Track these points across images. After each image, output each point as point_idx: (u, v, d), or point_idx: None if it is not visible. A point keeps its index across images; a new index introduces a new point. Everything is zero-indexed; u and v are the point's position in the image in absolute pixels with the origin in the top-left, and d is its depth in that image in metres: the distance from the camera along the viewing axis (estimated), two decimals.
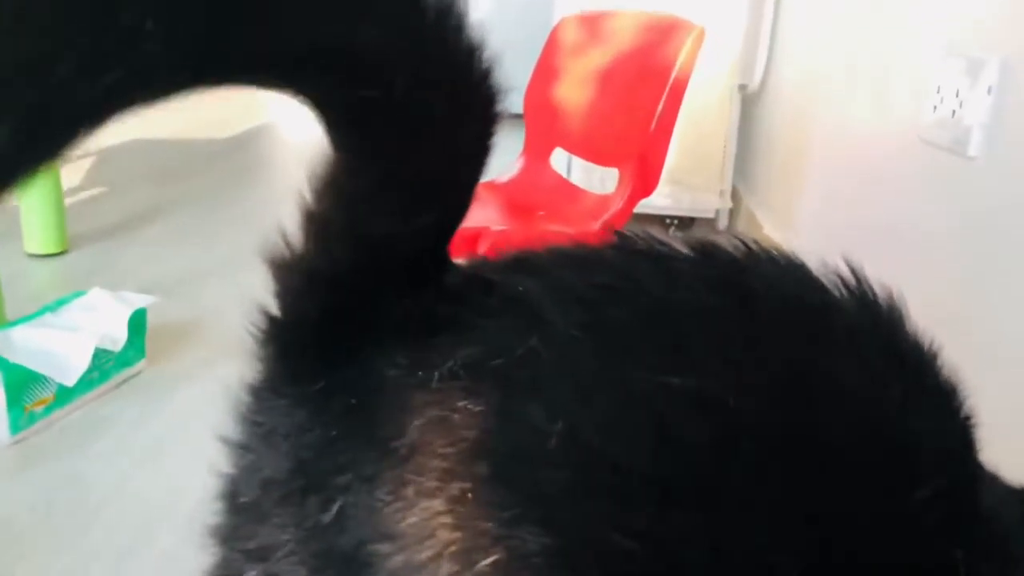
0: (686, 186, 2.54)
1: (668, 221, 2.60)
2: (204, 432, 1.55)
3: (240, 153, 3.60)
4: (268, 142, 3.99)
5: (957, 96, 1.09)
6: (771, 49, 2.52)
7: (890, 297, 0.40)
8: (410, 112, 0.35)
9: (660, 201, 2.52)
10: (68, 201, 2.30)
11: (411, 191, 0.37)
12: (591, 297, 0.36)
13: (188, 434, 1.36)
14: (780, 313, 0.37)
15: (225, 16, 0.30)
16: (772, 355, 0.35)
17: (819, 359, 0.36)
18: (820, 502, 0.34)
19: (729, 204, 2.63)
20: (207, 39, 0.30)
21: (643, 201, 2.42)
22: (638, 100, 1.49)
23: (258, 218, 2.62)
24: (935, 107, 1.16)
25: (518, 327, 0.35)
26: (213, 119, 4.37)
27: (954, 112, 1.10)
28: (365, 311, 0.38)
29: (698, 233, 2.69)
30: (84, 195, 2.73)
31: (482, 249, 1.32)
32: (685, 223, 2.61)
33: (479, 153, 0.39)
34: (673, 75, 1.41)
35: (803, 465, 0.34)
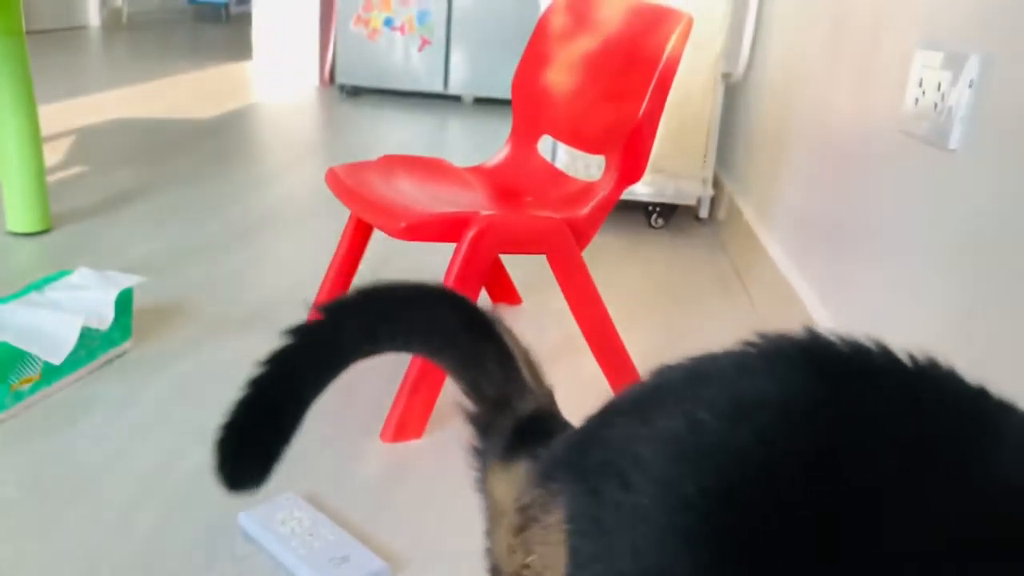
0: (668, 174, 2.57)
1: (650, 208, 2.63)
2: (189, 411, 1.57)
3: (223, 134, 3.58)
4: (251, 123, 3.96)
5: (939, 89, 1.12)
6: (755, 39, 2.54)
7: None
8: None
9: (642, 189, 2.54)
10: (50, 180, 2.28)
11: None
12: (624, 416, 0.50)
13: (174, 413, 1.37)
14: (723, 385, 0.46)
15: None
16: (714, 400, 0.44)
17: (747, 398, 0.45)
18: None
19: (711, 192, 2.66)
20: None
21: (627, 189, 2.45)
22: (626, 87, 1.51)
23: (242, 198, 2.62)
24: (917, 100, 1.19)
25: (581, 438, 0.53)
26: (195, 100, 4.33)
27: (936, 105, 1.12)
28: (514, 438, 0.64)
29: (679, 220, 2.72)
30: (66, 174, 2.71)
31: (469, 233, 1.33)
32: (667, 210, 2.64)
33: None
34: (661, 63, 1.42)
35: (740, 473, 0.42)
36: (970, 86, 1.04)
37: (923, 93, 1.17)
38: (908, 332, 1.17)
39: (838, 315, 1.52)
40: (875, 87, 1.44)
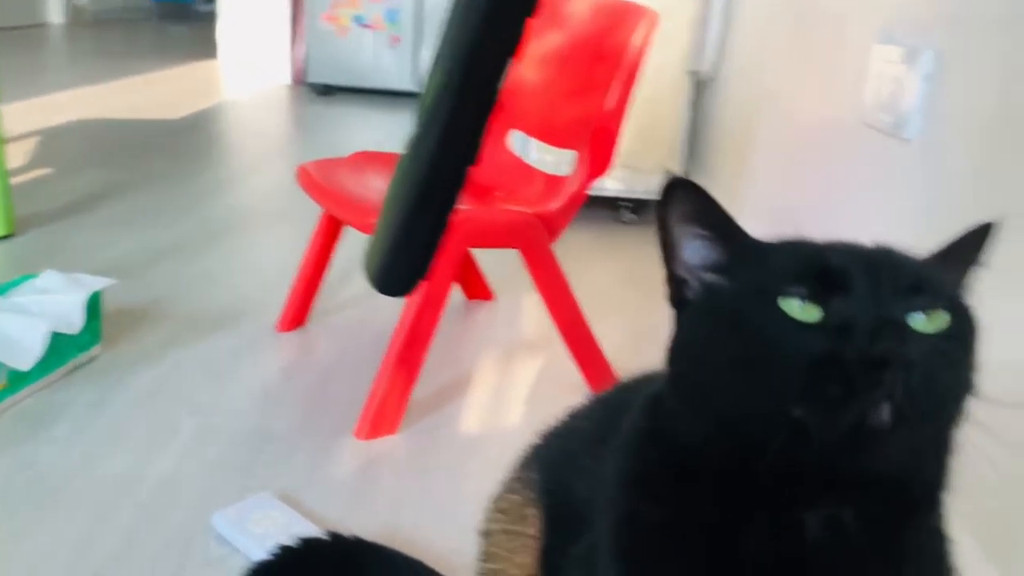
0: (638, 170, 2.59)
1: (621, 204, 2.64)
2: (161, 415, 1.55)
3: (191, 134, 3.54)
4: (219, 123, 3.93)
5: (896, 83, 1.14)
6: (722, 36, 2.57)
7: None
8: None
9: (613, 184, 2.56)
10: (13, 182, 2.25)
11: None
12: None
13: (145, 417, 1.36)
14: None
15: None
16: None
17: None
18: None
19: None
20: None
21: (597, 185, 2.46)
22: (594, 82, 1.52)
23: (211, 199, 2.60)
24: (876, 93, 1.21)
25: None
26: (162, 100, 4.29)
27: (893, 98, 1.15)
28: None
29: (649, 215, 2.74)
30: (30, 176, 2.67)
31: None
32: (637, 206, 2.66)
33: None
34: (628, 57, 1.44)
35: None
36: (925, 80, 1.07)
37: (881, 87, 1.19)
38: None
39: None
40: (837, 81, 1.46)
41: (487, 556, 0.73)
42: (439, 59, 1.13)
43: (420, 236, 1.19)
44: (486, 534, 0.75)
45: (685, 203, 0.52)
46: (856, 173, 1.34)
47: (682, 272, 0.54)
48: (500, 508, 0.74)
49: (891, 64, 1.17)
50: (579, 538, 0.62)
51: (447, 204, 1.17)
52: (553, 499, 0.69)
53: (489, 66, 1.10)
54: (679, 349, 0.54)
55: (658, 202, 0.52)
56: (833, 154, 1.47)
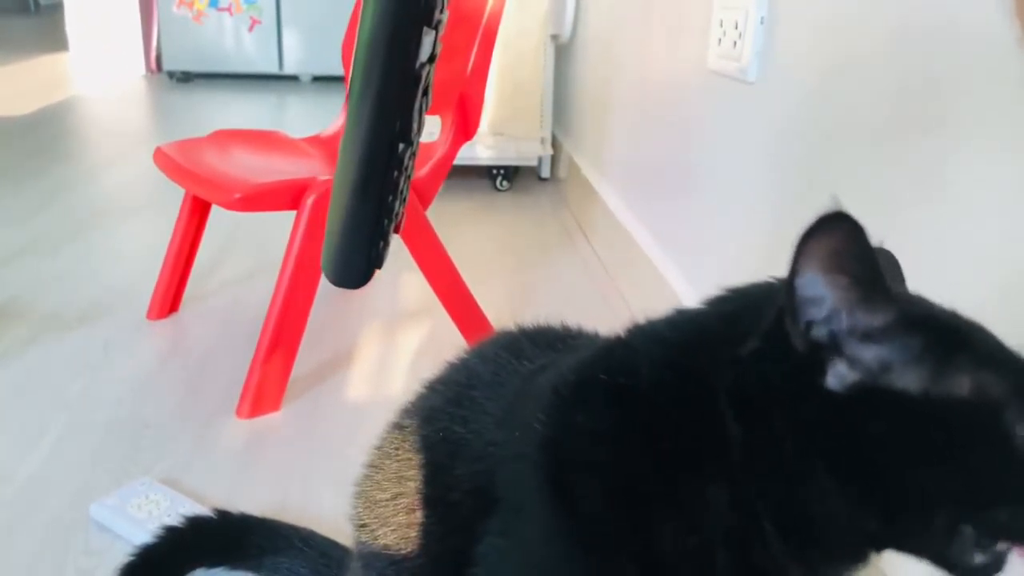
0: (509, 136, 2.62)
1: (495, 172, 2.67)
2: (28, 412, 1.48)
3: (41, 130, 3.35)
4: (73, 117, 3.73)
5: (736, 28, 1.20)
6: (579, 0, 2.62)
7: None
8: None
9: (485, 153, 2.59)
10: None
11: None
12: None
13: (10, 416, 1.30)
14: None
15: None
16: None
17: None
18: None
19: (550, 151, 2.73)
20: None
21: (469, 154, 2.48)
22: (454, 46, 1.53)
23: (68, 195, 2.47)
24: (719, 40, 1.27)
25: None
26: (5, 96, 4.04)
27: (735, 43, 1.21)
28: None
29: (523, 181, 2.78)
30: None
31: (309, 199, 1.32)
32: (511, 172, 2.69)
33: None
34: (484, 18, 1.45)
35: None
36: (761, 22, 1.13)
37: (724, 33, 1.25)
38: (734, 252, 1.27)
39: (667, 248, 1.61)
40: (685, 34, 1.52)
41: (367, 546, 0.65)
42: (360, 35, 1.10)
43: (363, 225, 1.14)
44: (360, 526, 0.65)
45: (833, 243, 0.43)
46: (706, 120, 1.41)
47: (809, 334, 0.45)
48: (371, 498, 0.65)
49: (730, 10, 1.23)
50: (482, 517, 0.56)
51: (386, 189, 1.11)
52: (437, 482, 0.61)
53: (405, 37, 1.08)
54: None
55: (803, 235, 0.43)
56: (683, 105, 1.53)
